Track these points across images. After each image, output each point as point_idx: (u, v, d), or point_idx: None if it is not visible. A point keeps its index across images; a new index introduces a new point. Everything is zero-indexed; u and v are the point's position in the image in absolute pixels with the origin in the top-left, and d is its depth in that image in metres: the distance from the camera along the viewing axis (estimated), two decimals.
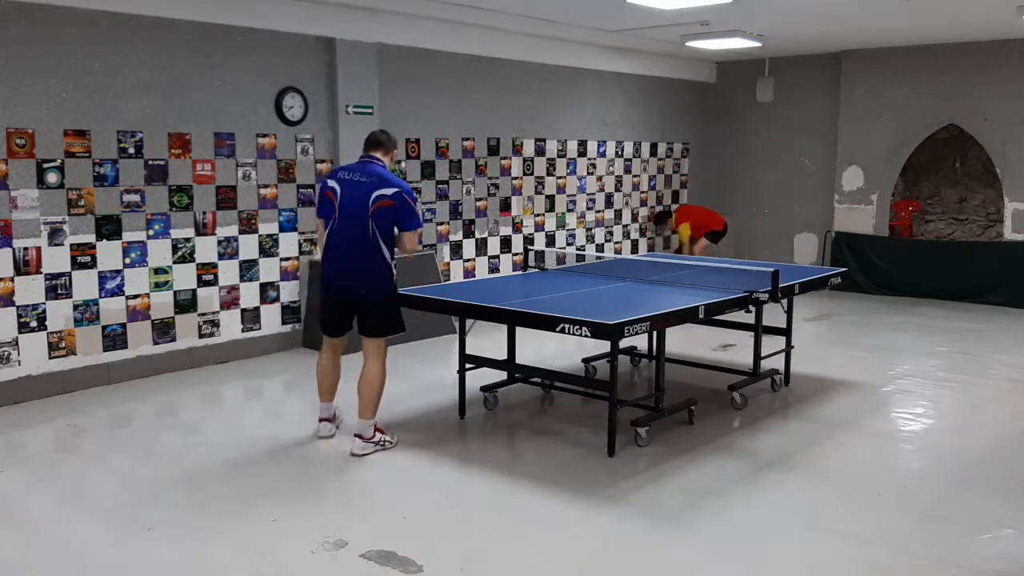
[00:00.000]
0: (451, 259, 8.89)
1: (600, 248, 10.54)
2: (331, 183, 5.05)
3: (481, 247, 9.19)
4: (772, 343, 6.44)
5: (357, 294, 4.98)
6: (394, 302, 5.08)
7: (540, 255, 8.58)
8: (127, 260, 6.54)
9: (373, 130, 5.43)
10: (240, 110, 7.07)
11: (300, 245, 7.57)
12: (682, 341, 6.95)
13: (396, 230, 4.98)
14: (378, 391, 5.04)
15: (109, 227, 6.42)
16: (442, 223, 8.76)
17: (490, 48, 8.84)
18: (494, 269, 9.32)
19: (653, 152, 11.28)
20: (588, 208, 10.40)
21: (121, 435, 5.57)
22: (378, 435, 5.07)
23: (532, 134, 9.57)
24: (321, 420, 5.33)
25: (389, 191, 4.87)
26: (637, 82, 10.79)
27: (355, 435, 5.02)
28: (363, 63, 7.74)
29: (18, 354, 6.05)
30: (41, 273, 6.12)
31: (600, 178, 10.51)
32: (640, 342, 6.84)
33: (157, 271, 6.72)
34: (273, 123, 7.29)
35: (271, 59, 7.22)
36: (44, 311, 6.16)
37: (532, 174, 9.63)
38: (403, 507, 4.31)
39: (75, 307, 6.30)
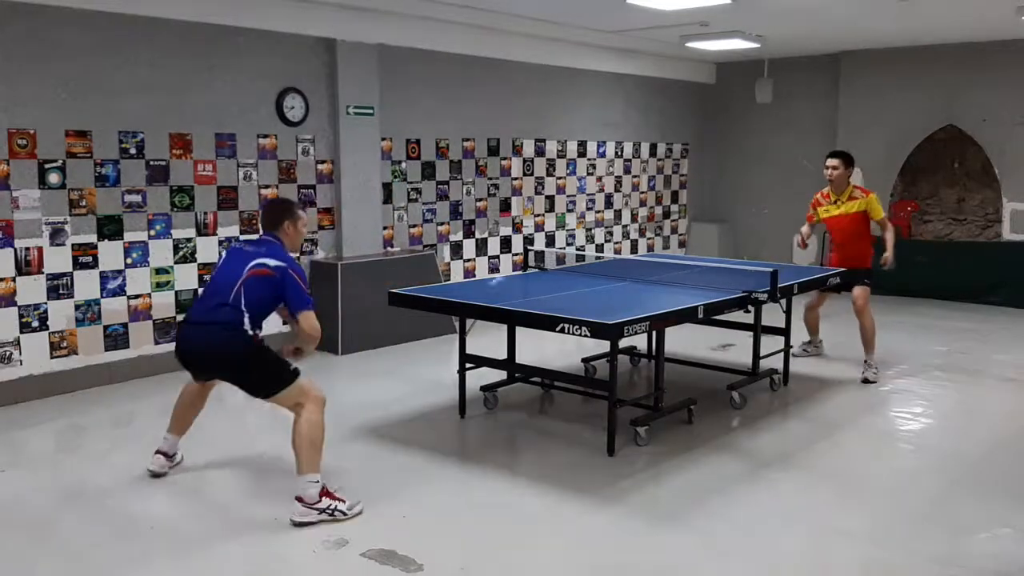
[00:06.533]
0: (451, 259, 8.90)
1: (600, 248, 10.55)
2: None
3: (481, 247, 9.20)
4: (771, 343, 6.46)
5: (210, 369, 4.41)
6: (260, 359, 4.26)
7: (540, 255, 8.58)
8: (128, 260, 6.55)
9: (270, 201, 4.90)
10: (241, 111, 7.08)
11: (300, 245, 7.57)
12: (682, 341, 6.95)
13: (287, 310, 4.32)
14: (309, 442, 4.11)
15: (110, 227, 6.43)
16: (442, 223, 8.77)
17: (490, 48, 8.85)
18: (494, 269, 9.33)
19: (653, 152, 11.29)
20: (588, 208, 10.41)
21: (122, 435, 5.58)
22: (325, 500, 4.06)
23: (532, 134, 9.58)
24: (158, 452, 4.67)
25: (272, 262, 4.21)
26: (637, 82, 10.80)
27: (295, 497, 4.06)
28: (364, 64, 7.75)
29: (20, 354, 6.06)
30: (43, 273, 6.13)
31: (600, 178, 10.52)
32: (640, 342, 6.85)
33: (158, 271, 6.73)
34: (274, 124, 7.30)
35: (272, 60, 7.23)
36: (46, 311, 6.17)
37: (532, 174, 9.64)
38: (403, 507, 4.32)
39: (77, 307, 6.31)
